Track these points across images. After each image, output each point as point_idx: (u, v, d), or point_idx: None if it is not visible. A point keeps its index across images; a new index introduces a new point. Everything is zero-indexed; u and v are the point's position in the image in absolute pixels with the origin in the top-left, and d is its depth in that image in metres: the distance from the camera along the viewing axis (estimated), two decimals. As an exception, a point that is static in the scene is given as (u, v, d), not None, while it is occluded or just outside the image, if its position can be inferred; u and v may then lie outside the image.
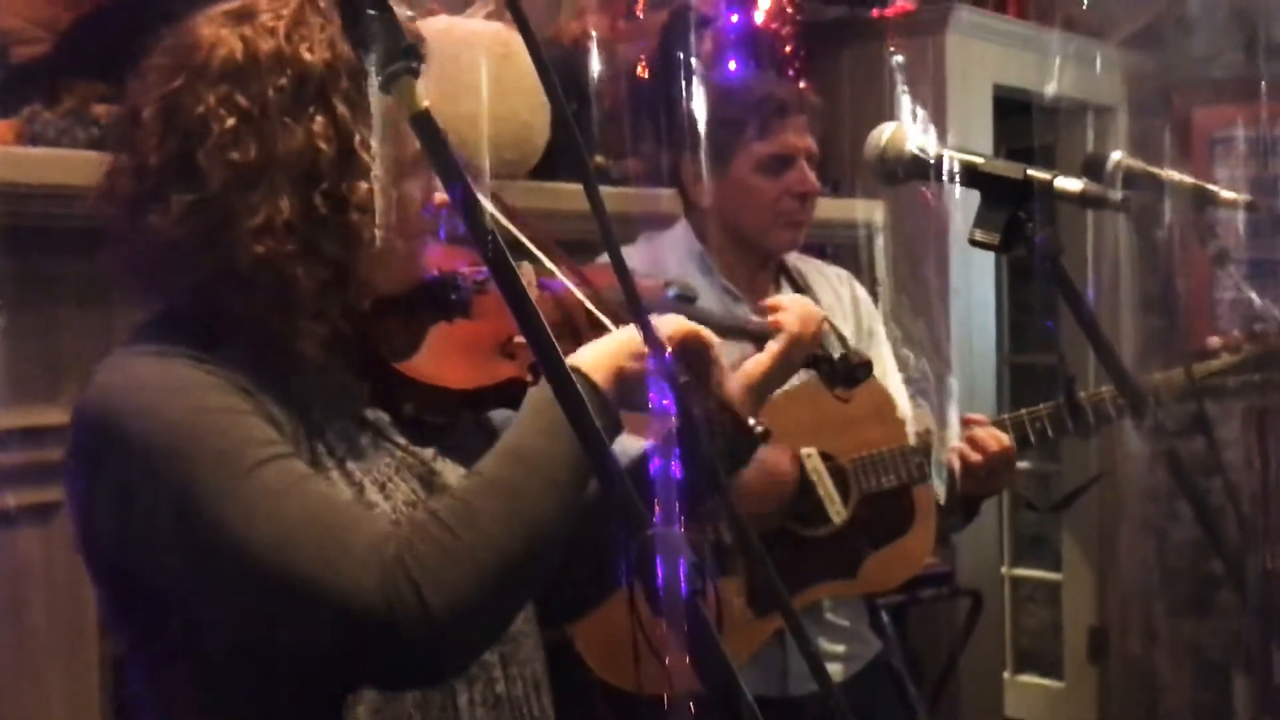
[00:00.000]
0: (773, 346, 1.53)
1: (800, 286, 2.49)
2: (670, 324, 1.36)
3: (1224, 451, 1.61)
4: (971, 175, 1.47)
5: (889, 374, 2.54)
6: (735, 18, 3.40)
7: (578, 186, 1.14)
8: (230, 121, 1.25)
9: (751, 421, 1.41)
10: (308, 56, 1.28)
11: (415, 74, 1.02)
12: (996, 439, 2.35)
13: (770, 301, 1.60)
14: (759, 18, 3.57)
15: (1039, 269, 1.41)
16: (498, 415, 1.47)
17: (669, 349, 1.32)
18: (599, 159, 2.97)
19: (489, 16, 2.67)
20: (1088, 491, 3.48)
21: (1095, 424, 2.39)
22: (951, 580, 3.75)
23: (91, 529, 1.27)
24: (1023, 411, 2.42)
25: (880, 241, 3.67)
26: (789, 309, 1.56)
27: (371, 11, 1.03)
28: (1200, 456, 1.51)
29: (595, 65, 2.93)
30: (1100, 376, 2.40)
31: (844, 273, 2.65)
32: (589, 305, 1.42)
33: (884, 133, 1.56)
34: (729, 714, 0.98)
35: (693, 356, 1.37)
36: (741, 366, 1.50)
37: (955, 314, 3.89)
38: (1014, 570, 5.39)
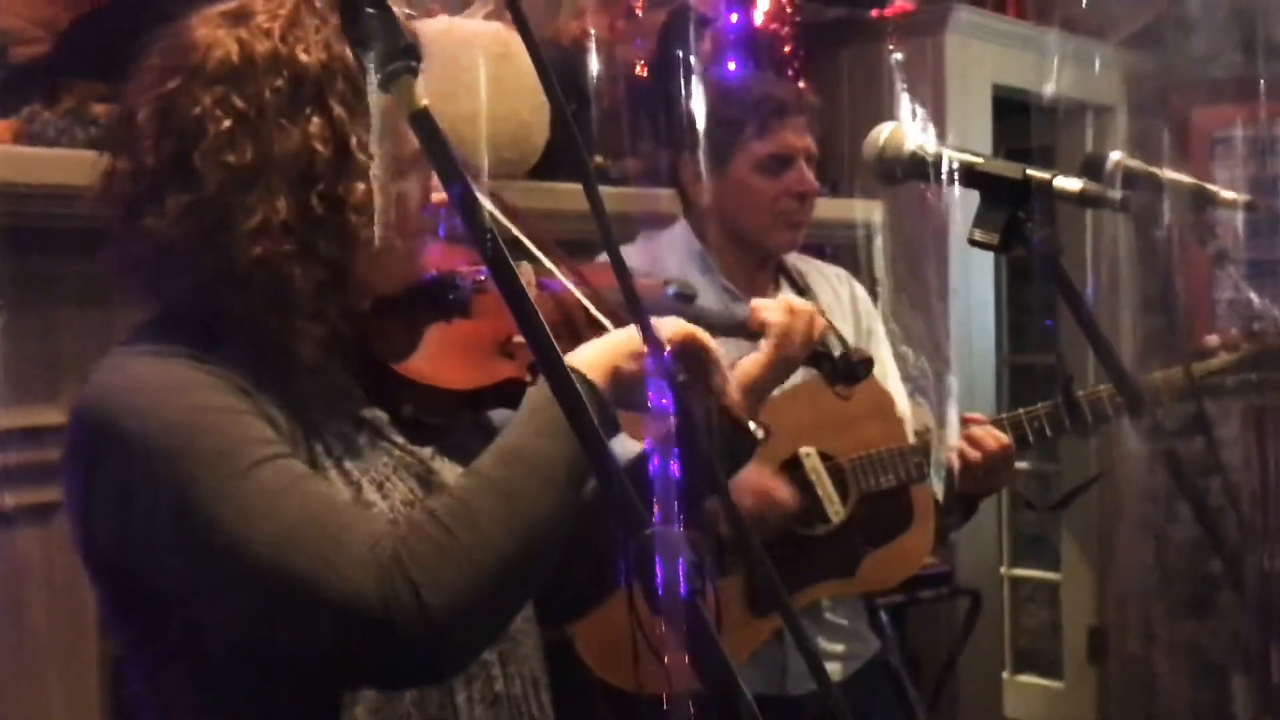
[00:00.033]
0: (764, 345, 1.53)
1: (799, 286, 2.49)
2: (670, 326, 1.36)
3: (1223, 451, 1.61)
4: (970, 175, 1.47)
5: (889, 375, 2.54)
6: (734, 18, 3.40)
7: (577, 186, 1.14)
8: (226, 123, 1.25)
9: (752, 425, 1.41)
10: (304, 58, 1.28)
11: (414, 73, 1.02)
12: (995, 437, 2.36)
13: (754, 304, 1.60)
14: (758, 18, 3.57)
15: (1038, 269, 1.41)
16: (497, 415, 1.47)
17: (667, 350, 1.32)
18: (598, 159, 2.97)
19: (488, 16, 2.67)
20: (1087, 491, 3.48)
21: (1093, 423, 2.39)
22: (951, 580, 3.75)
23: (90, 529, 1.27)
24: (1021, 411, 2.42)
25: (879, 241, 3.67)
26: (772, 307, 1.56)
27: (370, 10, 1.03)
28: (1199, 456, 1.51)
29: (594, 65, 2.93)
30: (1099, 376, 2.40)
31: (843, 272, 2.65)
32: (588, 305, 1.42)
33: (883, 132, 1.56)
34: (728, 713, 0.98)
35: (692, 359, 1.37)
36: (737, 366, 1.50)
37: (954, 314, 3.89)
38: (1013, 570, 5.39)
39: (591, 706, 2.28)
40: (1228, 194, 1.82)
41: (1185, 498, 1.46)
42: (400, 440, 1.38)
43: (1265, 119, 4.29)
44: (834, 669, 2.41)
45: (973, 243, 1.44)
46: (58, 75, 2.20)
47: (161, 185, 1.26)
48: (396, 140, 1.30)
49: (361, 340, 1.36)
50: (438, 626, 1.17)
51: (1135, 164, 1.75)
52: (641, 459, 1.26)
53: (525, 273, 1.42)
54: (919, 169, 1.52)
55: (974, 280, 4.05)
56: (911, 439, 2.43)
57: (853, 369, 1.65)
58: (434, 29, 2.53)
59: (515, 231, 1.42)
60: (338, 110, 1.28)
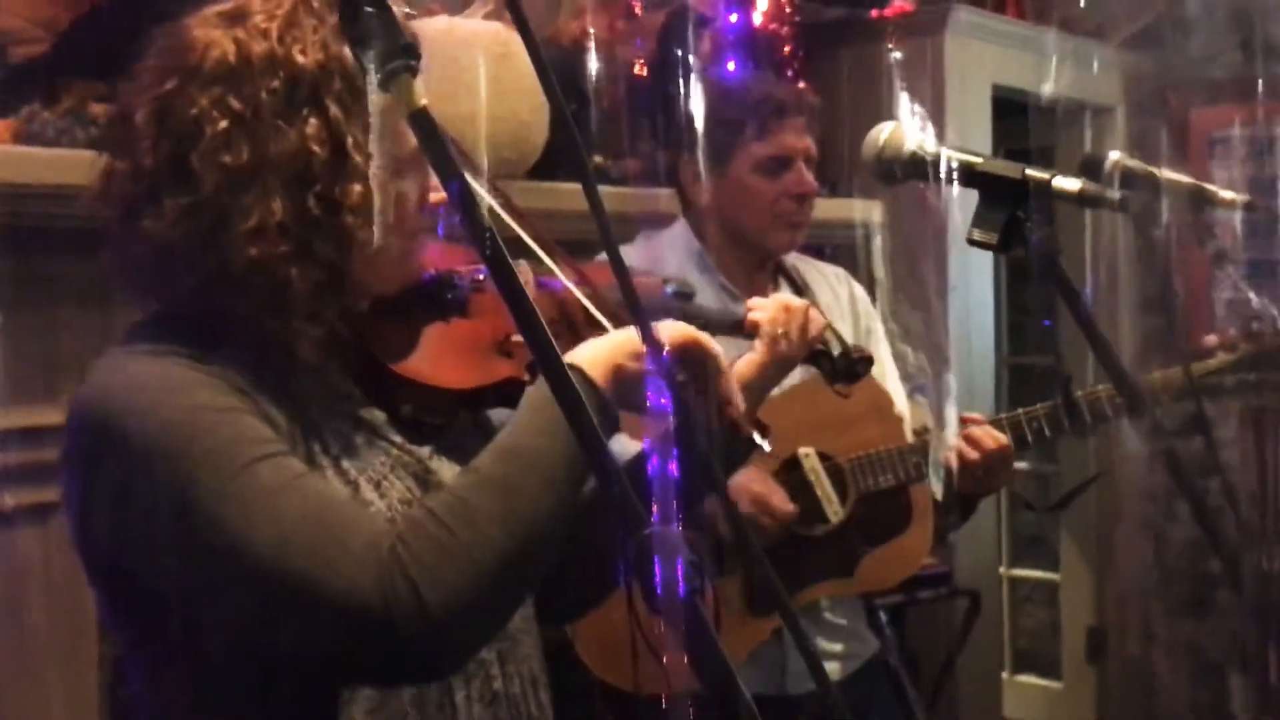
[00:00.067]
0: (758, 345, 1.53)
1: (798, 286, 2.50)
2: (672, 329, 1.36)
3: (1222, 451, 1.61)
4: (970, 175, 1.47)
5: (887, 375, 2.54)
6: (734, 18, 3.41)
7: (577, 186, 1.14)
8: (223, 124, 1.25)
9: (756, 436, 1.41)
10: (300, 58, 1.28)
11: (414, 71, 1.02)
12: (993, 437, 2.36)
13: (748, 304, 1.60)
14: (758, 18, 3.57)
15: (1037, 269, 1.41)
16: (496, 414, 1.47)
17: (667, 352, 1.32)
18: (598, 159, 2.97)
19: (488, 16, 2.67)
20: (1086, 491, 3.48)
21: (1092, 424, 2.39)
22: (950, 580, 3.75)
23: (89, 529, 1.27)
24: (1020, 411, 2.42)
25: (878, 241, 3.67)
26: (765, 306, 1.56)
27: (370, 9, 1.03)
28: (1198, 456, 1.51)
29: (594, 65, 2.93)
30: (1099, 377, 2.40)
31: (842, 272, 2.65)
32: (587, 304, 1.42)
33: (882, 132, 1.56)
34: (727, 713, 0.98)
35: (694, 363, 1.37)
36: (734, 366, 1.50)
37: (954, 314, 3.89)
38: (1012, 570, 5.39)
39: (591, 706, 2.28)
40: (1226, 194, 1.82)
41: (1184, 498, 1.45)
42: (398, 439, 1.38)
43: (1264, 119, 4.29)
44: (833, 669, 2.42)
45: (972, 242, 1.44)
46: (57, 75, 2.20)
47: (159, 186, 1.26)
48: (396, 140, 1.30)
49: (360, 340, 1.36)
50: (436, 624, 1.17)
51: (1134, 164, 1.75)
52: (641, 459, 1.27)
53: (524, 271, 1.42)
54: (918, 169, 1.52)
55: (973, 280, 4.05)
56: (910, 439, 2.43)
57: (852, 367, 1.65)
58: (434, 29, 2.53)
59: (516, 227, 1.42)
60: (334, 111, 1.28)
